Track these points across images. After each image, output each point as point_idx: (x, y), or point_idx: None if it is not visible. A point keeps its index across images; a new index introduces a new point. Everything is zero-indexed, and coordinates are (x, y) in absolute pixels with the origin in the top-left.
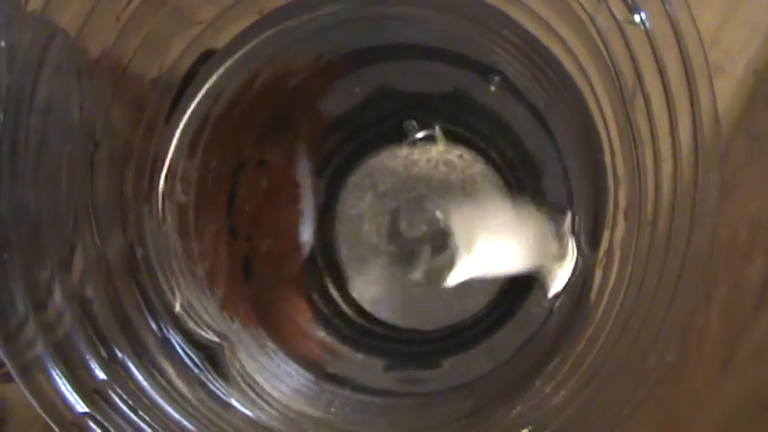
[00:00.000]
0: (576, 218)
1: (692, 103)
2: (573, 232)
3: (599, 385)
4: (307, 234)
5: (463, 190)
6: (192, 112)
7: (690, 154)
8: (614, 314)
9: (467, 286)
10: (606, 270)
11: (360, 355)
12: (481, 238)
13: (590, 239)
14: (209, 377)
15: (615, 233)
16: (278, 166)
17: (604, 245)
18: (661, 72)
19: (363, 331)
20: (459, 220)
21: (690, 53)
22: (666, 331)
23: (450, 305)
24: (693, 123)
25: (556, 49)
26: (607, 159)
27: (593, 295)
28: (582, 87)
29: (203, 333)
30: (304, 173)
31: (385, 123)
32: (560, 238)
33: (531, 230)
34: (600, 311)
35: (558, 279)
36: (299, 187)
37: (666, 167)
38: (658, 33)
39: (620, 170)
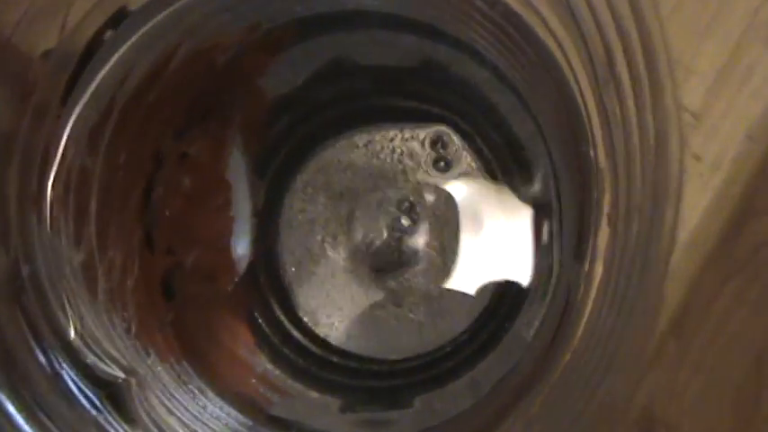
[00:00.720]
0: (562, 222)
1: (652, 88)
2: (559, 239)
3: (569, 425)
4: (243, 245)
5: (437, 187)
6: (94, 93)
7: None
8: (594, 335)
9: (442, 306)
10: (587, 285)
11: (312, 393)
12: (458, 247)
13: (575, 249)
14: (110, 419)
15: (599, 240)
16: (205, 162)
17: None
18: (625, 50)
19: (317, 362)
20: (432, 225)
21: (649, 29)
22: (620, 355)
23: (423, 330)
24: (654, 111)
25: (532, 22)
26: (591, 152)
27: (574, 315)
28: (563, 67)
29: (105, 367)
30: (238, 170)
31: (341, 105)
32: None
33: (517, 238)
34: (579, 333)
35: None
36: (231, 188)
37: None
38: (620, 6)
39: (603, 163)
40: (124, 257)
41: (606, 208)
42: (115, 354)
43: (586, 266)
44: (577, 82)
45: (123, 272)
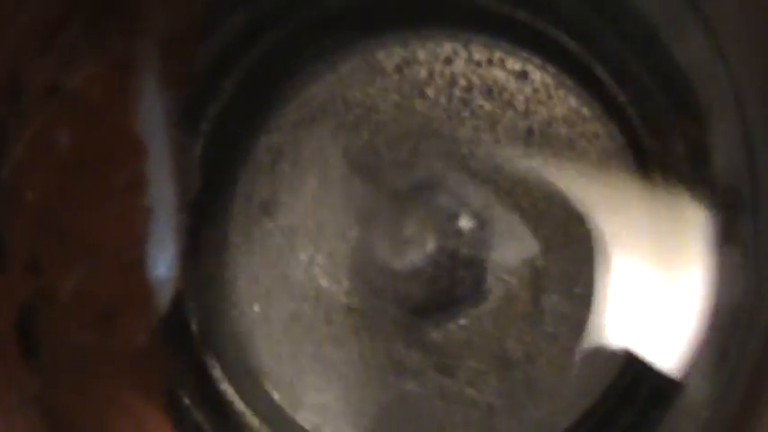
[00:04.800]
0: (758, 226)
1: None
2: (756, 249)
3: None
4: (165, 263)
5: (530, 155)
6: None
7: None
8: None
9: (531, 378)
10: None
11: None
12: (567, 263)
13: None
14: None
15: None
16: (97, 104)
17: None
18: None
19: None
20: (518, 231)
21: None
22: None
23: (494, 421)
24: None
25: None
26: None
27: None
28: None
29: None
30: (157, 120)
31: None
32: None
33: (676, 246)
34: None
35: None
36: (145, 151)
37: None
38: None
39: None
40: None
41: None
42: None
43: None
44: None
45: None
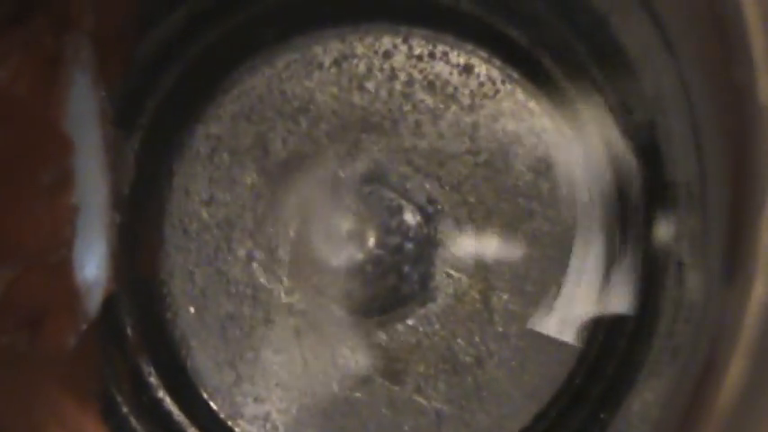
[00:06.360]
0: (706, 217)
1: None
2: (704, 248)
3: None
4: (94, 263)
5: (476, 151)
6: None
7: None
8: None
9: (481, 383)
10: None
11: None
12: (517, 261)
13: (725, 261)
14: None
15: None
16: (23, 99)
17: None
18: None
19: None
20: (465, 225)
21: None
22: None
23: (443, 427)
24: None
25: None
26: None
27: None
28: None
29: None
30: (85, 116)
31: None
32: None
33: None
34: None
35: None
36: (73, 150)
37: None
38: None
39: None
40: None
41: None
42: None
43: (748, 293)
44: None
45: None
